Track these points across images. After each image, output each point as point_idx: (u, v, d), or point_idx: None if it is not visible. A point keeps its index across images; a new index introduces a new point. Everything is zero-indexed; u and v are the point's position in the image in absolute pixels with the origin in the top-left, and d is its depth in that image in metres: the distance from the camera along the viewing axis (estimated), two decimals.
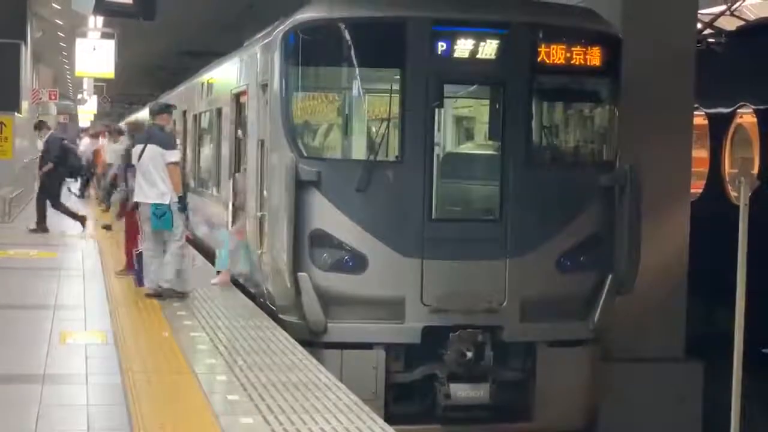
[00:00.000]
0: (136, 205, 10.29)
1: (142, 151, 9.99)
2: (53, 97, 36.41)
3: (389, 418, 7.77)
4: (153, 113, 10.55)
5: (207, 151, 15.04)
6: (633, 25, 10.40)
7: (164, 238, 10.10)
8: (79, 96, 53.77)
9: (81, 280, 11.72)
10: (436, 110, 9.11)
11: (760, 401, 10.40)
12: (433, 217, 8.95)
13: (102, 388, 6.78)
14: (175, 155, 10.11)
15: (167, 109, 10.84)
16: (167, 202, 9.91)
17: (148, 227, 10.10)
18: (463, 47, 8.99)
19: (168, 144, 10.07)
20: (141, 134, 10.57)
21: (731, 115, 12.43)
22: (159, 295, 10.08)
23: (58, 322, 9.04)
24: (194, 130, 16.24)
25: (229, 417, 6.02)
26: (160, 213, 9.86)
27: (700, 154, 12.58)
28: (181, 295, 10.13)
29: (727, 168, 12.42)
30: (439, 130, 9.44)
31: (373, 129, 9.25)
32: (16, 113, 20.55)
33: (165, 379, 7.04)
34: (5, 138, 18.98)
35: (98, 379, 6.99)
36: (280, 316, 9.34)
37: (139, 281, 10.60)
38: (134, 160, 10.13)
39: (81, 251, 14.25)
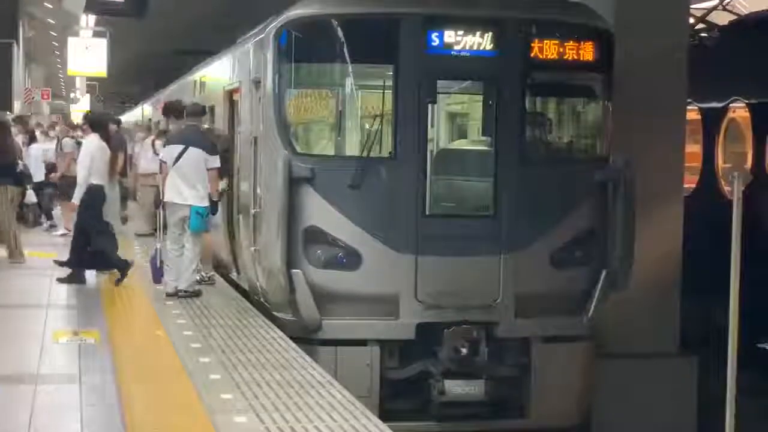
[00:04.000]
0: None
1: (182, 152, 10.01)
2: (46, 97, 36.44)
3: (384, 415, 7.76)
4: (191, 114, 10.61)
5: None
6: (625, 20, 10.37)
7: (184, 239, 10.16)
8: (72, 95, 53.74)
9: None
10: (429, 106, 9.09)
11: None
12: (426, 213, 8.93)
13: (95, 388, 6.75)
14: (217, 161, 10.21)
15: (205, 110, 11.04)
16: (206, 205, 10.02)
17: (179, 229, 10.13)
18: (455, 43, 8.97)
19: (211, 149, 10.18)
20: (174, 135, 10.65)
21: (724, 110, 12.44)
22: (176, 294, 10.12)
23: (51, 322, 9.02)
24: None
25: (222, 415, 6.00)
26: (205, 213, 10.00)
27: (693, 149, 12.58)
28: (198, 294, 10.23)
29: (720, 163, 12.43)
30: (432, 126, 9.42)
31: (367, 125, 9.23)
32: (8, 113, 20.53)
33: (158, 378, 7.03)
34: None
35: (91, 379, 6.96)
36: (274, 313, 9.32)
37: (157, 279, 10.59)
38: (169, 161, 10.13)
39: None
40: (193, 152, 10.02)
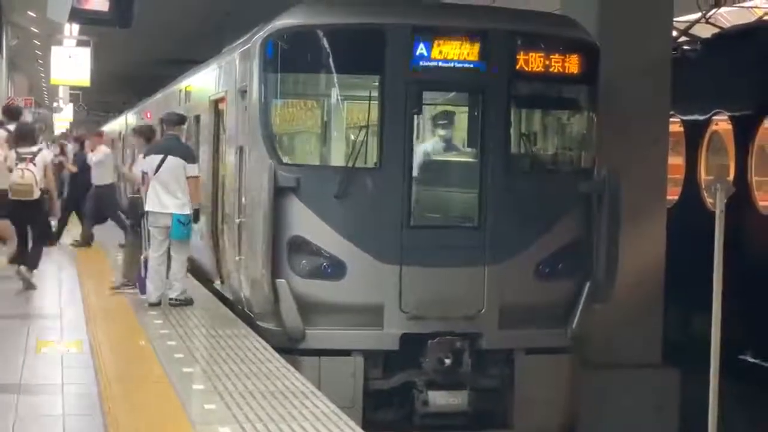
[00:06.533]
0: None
1: (162, 161, 10.05)
2: (28, 106, 36.22)
3: (367, 426, 7.75)
4: (170, 123, 10.69)
5: None
6: (609, 33, 10.45)
7: (167, 247, 10.16)
8: (55, 104, 53.46)
9: (57, 289, 11.64)
10: (415, 117, 9.11)
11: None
12: (411, 224, 8.94)
13: (78, 398, 6.73)
14: (196, 169, 10.28)
15: (184, 119, 11.10)
16: (188, 213, 10.05)
17: (162, 236, 10.15)
18: (442, 54, 9.00)
19: (190, 157, 10.27)
20: (154, 145, 10.69)
21: (707, 123, 12.51)
22: (159, 304, 10.10)
23: (34, 332, 8.97)
24: None
25: (206, 426, 5.98)
26: (186, 221, 10.04)
27: (676, 161, 12.65)
28: (190, 302, 10.24)
29: (703, 175, 12.50)
30: (417, 137, 9.45)
31: (352, 136, 9.24)
32: None
33: (141, 388, 7.00)
34: None
35: (74, 389, 6.93)
36: (258, 323, 9.30)
37: (143, 289, 10.55)
38: (150, 170, 10.16)
39: (57, 261, 14.14)
40: (172, 161, 10.07)
